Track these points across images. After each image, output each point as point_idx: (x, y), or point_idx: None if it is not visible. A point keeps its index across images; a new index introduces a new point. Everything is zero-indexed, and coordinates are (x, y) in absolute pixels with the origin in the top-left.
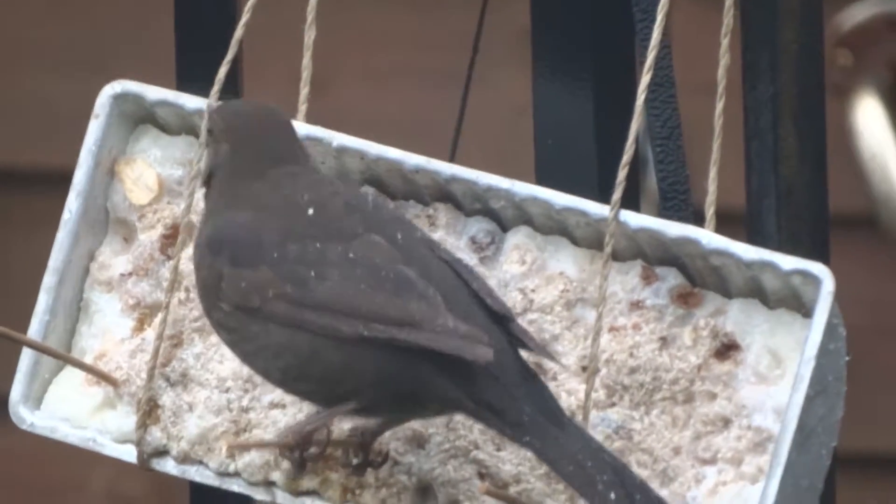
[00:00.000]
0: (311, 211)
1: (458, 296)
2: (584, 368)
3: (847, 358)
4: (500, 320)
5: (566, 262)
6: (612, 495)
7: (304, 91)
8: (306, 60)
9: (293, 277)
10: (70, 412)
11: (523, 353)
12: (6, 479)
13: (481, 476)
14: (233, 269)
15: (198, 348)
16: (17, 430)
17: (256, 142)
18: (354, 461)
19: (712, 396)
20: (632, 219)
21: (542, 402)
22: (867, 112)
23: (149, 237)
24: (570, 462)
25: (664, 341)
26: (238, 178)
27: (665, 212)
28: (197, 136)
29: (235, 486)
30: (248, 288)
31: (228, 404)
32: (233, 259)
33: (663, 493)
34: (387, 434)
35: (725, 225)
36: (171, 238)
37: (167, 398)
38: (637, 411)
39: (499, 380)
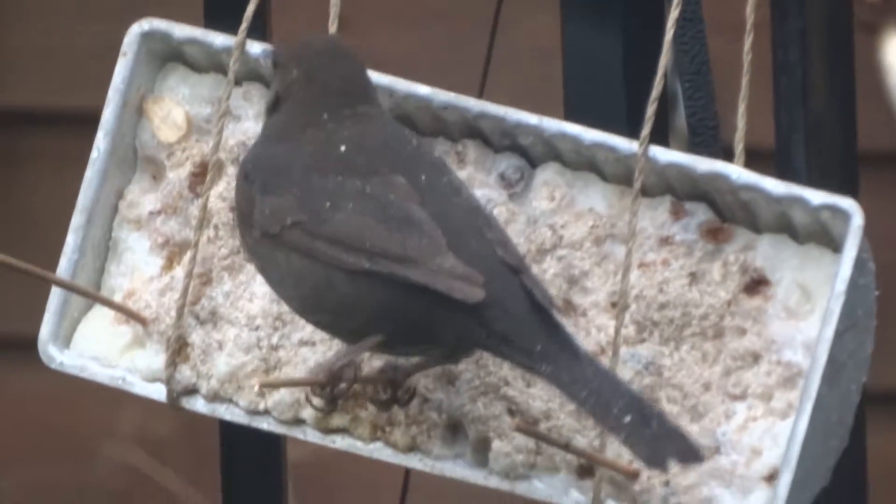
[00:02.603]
0: (343, 147)
1: (470, 239)
2: (613, 304)
3: (877, 293)
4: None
5: (595, 198)
6: (628, 418)
7: (332, 28)
8: None
9: (310, 207)
10: (99, 351)
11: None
12: (35, 420)
13: (511, 413)
14: (263, 196)
15: (227, 286)
16: (46, 370)
17: (328, 71)
18: (383, 397)
19: (742, 332)
20: (661, 154)
21: (555, 335)
22: None
23: (177, 175)
24: (584, 388)
25: (693, 277)
26: (301, 109)
27: (694, 147)
28: (225, 73)
29: (265, 425)
30: (271, 215)
31: (258, 342)
32: (264, 187)
33: (693, 428)
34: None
35: (754, 161)
36: (199, 176)
37: (196, 336)
38: (667, 347)
39: (509, 313)
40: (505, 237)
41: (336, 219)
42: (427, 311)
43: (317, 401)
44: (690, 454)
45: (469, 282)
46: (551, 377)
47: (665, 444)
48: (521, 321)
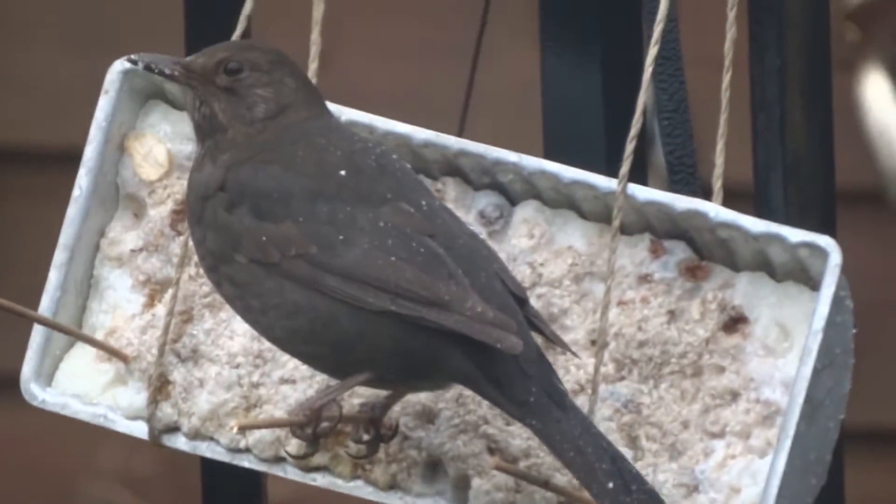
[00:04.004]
0: (343, 172)
1: (480, 272)
2: (592, 342)
3: (854, 331)
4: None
5: (575, 236)
6: (611, 484)
7: (313, 66)
8: (315, 35)
9: (320, 239)
10: (81, 388)
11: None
12: (17, 458)
13: (491, 451)
14: (255, 221)
15: (208, 324)
16: (28, 407)
17: (305, 77)
18: (366, 437)
19: (720, 370)
20: (640, 192)
21: (548, 382)
22: (875, 87)
23: (159, 213)
24: (571, 447)
25: (672, 315)
26: (295, 119)
27: (673, 185)
28: None
29: (246, 462)
30: (269, 243)
31: (239, 380)
32: (255, 211)
33: (672, 466)
34: (396, 408)
35: (733, 198)
36: (181, 213)
37: (178, 374)
38: (646, 385)
39: (515, 357)
40: (503, 263)
41: (353, 254)
42: (433, 352)
43: (294, 449)
44: None
45: (504, 329)
46: (540, 433)
47: None
48: (523, 367)
